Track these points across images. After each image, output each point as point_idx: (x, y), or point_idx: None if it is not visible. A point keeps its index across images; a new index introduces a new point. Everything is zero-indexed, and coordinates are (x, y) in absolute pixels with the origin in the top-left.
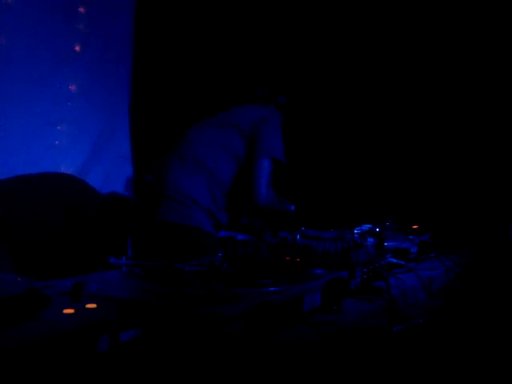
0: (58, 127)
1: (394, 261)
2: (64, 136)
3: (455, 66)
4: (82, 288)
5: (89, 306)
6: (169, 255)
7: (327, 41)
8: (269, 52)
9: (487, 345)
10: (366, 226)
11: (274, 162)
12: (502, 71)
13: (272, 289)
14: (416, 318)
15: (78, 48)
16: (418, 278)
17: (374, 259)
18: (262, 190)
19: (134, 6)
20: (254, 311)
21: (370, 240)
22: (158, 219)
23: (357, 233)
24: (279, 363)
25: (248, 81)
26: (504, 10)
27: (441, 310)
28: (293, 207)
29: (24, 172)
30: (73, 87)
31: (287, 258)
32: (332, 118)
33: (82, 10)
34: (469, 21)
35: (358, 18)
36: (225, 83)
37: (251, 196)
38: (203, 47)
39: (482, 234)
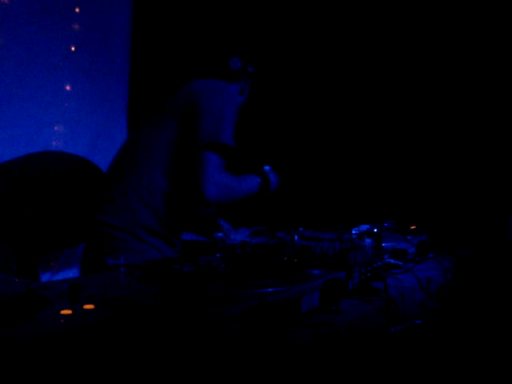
0: (55, 128)
1: (392, 261)
2: (60, 136)
3: (454, 64)
4: (79, 289)
5: (86, 306)
6: None
7: (323, 36)
8: (265, 46)
9: (485, 345)
10: (364, 227)
11: (220, 147)
12: (501, 71)
13: (270, 289)
14: (414, 318)
15: (73, 48)
16: (415, 278)
17: (372, 260)
18: (208, 189)
19: (131, 5)
20: (252, 312)
21: (368, 240)
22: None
23: (355, 233)
24: (277, 364)
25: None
26: (504, 9)
27: (439, 310)
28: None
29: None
30: (69, 87)
31: (285, 259)
32: (330, 117)
33: (78, 10)
34: (469, 21)
35: (356, 15)
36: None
37: (196, 193)
38: (200, 47)
39: (480, 235)
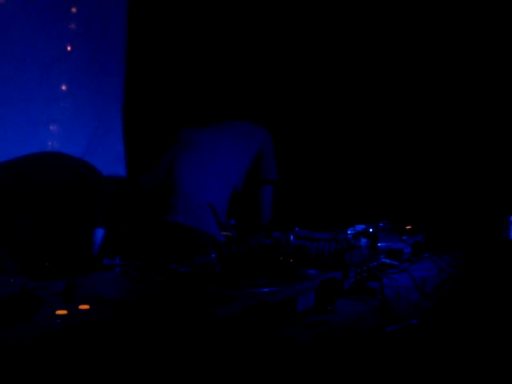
0: (51, 127)
1: (388, 261)
2: (56, 136)
3: (453, 64)
4: (74, 289)
5: (82, 306)
6: (177, 257)
7: (323, 39)
8: (263, 51)
9: (480, 345)
10: (360, 227)
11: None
12: (500, 71)
13: (265, 289)
14: (409, 318)
15: (69, 48)
16: (411, 278)
17: (368, 260)
18: (268, 214)
19: (127, 5)
20: (248, 312)
21: (364, 240)
22: (172, 220)
23: (350, 233)
24: (273, 363)
25: (240, 82)
26: (504, 9)
27: (434, 310)
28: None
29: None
30: (65, 87)
31: (281, 259)
32: (326, 118)
33: (74, 9)
34: (469, 21)
35: (355, 15)
36: (218, 83)
37: (258, 218)
38: (196, 47)
39: (475, 235)
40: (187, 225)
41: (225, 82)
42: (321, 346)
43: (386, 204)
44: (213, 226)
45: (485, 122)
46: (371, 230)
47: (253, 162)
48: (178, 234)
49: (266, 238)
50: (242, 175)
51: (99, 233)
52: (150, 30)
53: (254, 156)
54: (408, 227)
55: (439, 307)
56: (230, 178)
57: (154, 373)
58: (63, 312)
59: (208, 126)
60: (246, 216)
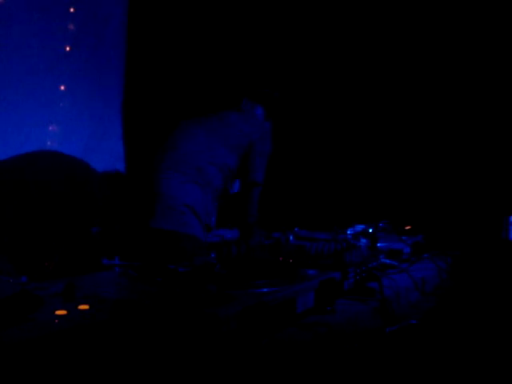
0: (50, 128)
1: (387, 261)
2: (55, 136)
3: (452, 64)
4: (74, 289)
5: (81, 307)
6: (160, 261)
7: (322, 40)
8: (262, 50)
9: (479, 345)
10: (359, 227)
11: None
12: (499, 71)
13: (265, 290)
14: (409, 318)
15: (68, 48)
16: (410, 278)
17: (367, 260)
18: (254, 213)
19: (126, 5)
20: (248, 312)
21: (363, 241)
22: (152, 225)
23: (350, 233)
24: (273, 363)
25: (239, 82)
26: (504, 9)
27: (433, 310)
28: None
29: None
30: (64, 87)
31: (280, 259)
32: (326, 118)
33: (72, 10)
34: (469, 21)
35: (355, 16)
36: (216, 83)
37: (246, 218)
38: (195, 47)
39: (474, 235)
40: (167, 229)
41: (225, 82)
42: (321, 346)
43: (386, 204)
44: (196, 227)
45: (484, 123)
46: (371, 230)
47: (240, 160)
48: (160, 239)
49: (266, 238)
50: (227, 174)
51: (98, 233)
52: (149, 30)
53: (242, 153)
54: (407, 227)
55: (439, 307)
56: (212, 178)
57: (154, 373)
58: (63, 312)
59: (193, 121)
60: (235, 215)
